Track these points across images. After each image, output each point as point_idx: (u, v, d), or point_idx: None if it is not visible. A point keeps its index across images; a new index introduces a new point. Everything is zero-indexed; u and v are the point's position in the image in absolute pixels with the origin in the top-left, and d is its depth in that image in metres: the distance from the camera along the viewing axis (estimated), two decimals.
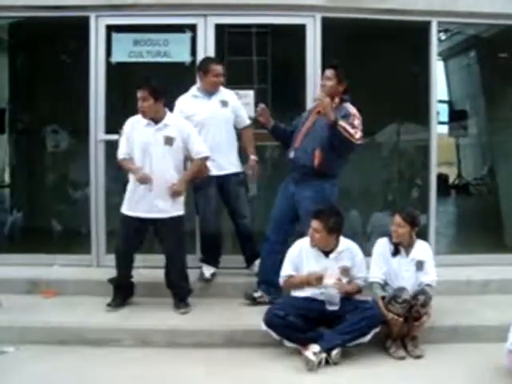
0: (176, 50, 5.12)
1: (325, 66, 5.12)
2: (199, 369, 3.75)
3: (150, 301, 4.56)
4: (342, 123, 4.22)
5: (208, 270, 4.81)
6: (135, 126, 4.37)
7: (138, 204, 4.34)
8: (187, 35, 5.15)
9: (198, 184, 4.72)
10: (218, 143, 4.70)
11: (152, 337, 4.11)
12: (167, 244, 4.45)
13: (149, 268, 4.86)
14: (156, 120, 4.33)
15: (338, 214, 4.04)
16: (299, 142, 4.47)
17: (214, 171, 4.72)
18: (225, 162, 4.76)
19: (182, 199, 4.46)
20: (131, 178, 4.38)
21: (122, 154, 4.41)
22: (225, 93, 4.82)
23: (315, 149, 4.34)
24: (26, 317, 4.27)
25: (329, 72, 4.49)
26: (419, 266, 4.09)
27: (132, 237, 4.40)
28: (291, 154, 4.49)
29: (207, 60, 4.82)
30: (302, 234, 4.22)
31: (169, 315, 4.36)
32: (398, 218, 4.07)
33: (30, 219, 6.88)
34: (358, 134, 4.27)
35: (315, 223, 3.96)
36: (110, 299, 4.47)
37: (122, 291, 4.53)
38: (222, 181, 4.76)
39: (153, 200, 4.32)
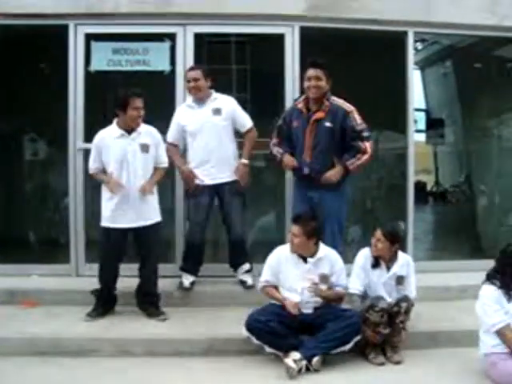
0: (155, 59, 5.14)
1: (303, 76, 5.20)
2: (179, 378, 3.74)
3: (129, 310, 4.53)
4: (351, 164, 4.34)
5: (187, 279, 4.80)
6: (106, 139, 4.38)
7: (121, 216, 4.33)
8: (166, 44, 5.16)
9: (190, 193, 4.75)
10: (209, 152, 4.71)
11: (132, 346, 4.08)
12: (147, 251, 4.44)
13: (128, 277, 4.82)
14: (130, 130, 4.36)
15: (318, 220, 4.06)
16: (309, 156, 4.44)
17: (207, 180, 4.73)
18: (216, 171, 4.75)
19: (157, 206, 4.49)
20: (105, 190, 4.39)
21: (92, 168, 4.47)
22: (220, 100, 4.80)
23: (332, 159, 4.40)
24: (4, 328, 4.22)
25: (318, 72, 4.42)
26: (399, 280, 4.12)
27: (116, 249, 4.39)
28: (306, 171, 4.46)
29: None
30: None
31: (148, 324, 4.34)
32: (378, 233, 4.08)
33: (8, 229, 6.79)
34: (367, 145, 4.36)
35: (295, 228, 3.98)
36: (91, 309, 4.44)
37: (104, 303, 4.50)
38: (217, 189, 4.77)
39: (136, 209, 4.33)
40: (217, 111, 4.74)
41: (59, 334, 4.14)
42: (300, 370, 3.72)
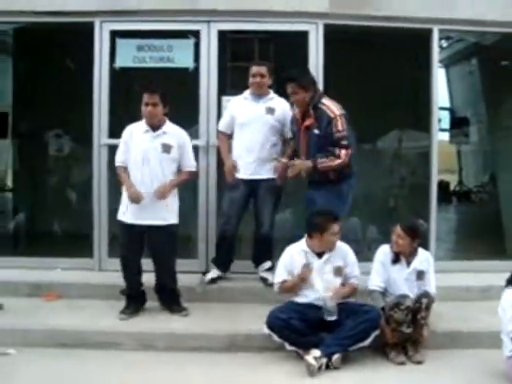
0: (179, 56, 5.16)
1: (328, 72, 5.20)
2: (200, 373, 3.77)
3: (152, 305, 4.57)
4: (320, 163, 4.33)
5: (211, 273, 4.84)
6: (134, 133, 4.38)
7: (138, 212, 4.33)
8: (191, 41, 5.18)
9: (227, 185, 4.80)
10: (253, 147, 4.75)
11: (153, 341, 4.13)
12: (161, 250, 4.42)
13: (151, 272, 4.88)
14: (155, 127, 4.34)
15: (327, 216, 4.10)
16: (305, 157, 4.47)
17: (243, 175, 4.77)
18: (256, 167, 4.78)
19: (176, 208, 4.45)
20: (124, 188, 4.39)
21: (118, 161, 4.45)
22: (276, 101, 4.84)
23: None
24: (28, 320, 4.30)
25: (291, 87, 4.40)
26: (420, 275, 4.10)
27: (135, 244, 4.40)
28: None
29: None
30: None
31: (170, 319, 4.38)
32: (398, 229, 4.08)
33: (33, 223, 6.91)
34: (342, 152, 4.32)
35: (337, 227, 4.02)
36: (124, 307, 4.44)
37: (135, 300, 4.51)
38: (254, 185, 4.80)
39: (150, 208, 4.31)
40: (270, 110, 4.77)
41: (82, 327, 4.20)
42: (320, 368, 3.73)
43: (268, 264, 4.89)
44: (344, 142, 4.34)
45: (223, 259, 4.91)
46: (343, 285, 4.11)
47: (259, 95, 4.80)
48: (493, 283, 4.86)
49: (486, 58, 7.31)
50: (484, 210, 8.32)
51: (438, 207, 5.49)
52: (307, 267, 4.00)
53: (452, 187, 10.06)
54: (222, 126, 4.92)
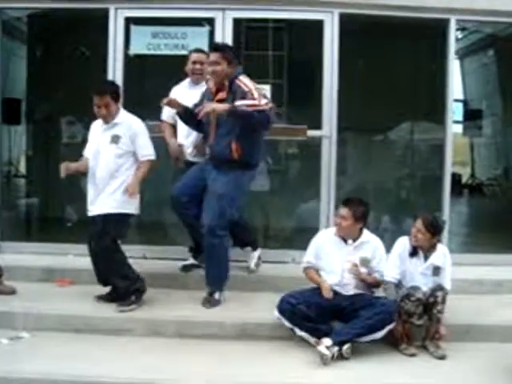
0: (194, 44, 5.12)
1: (342, 62, 5.16)
2: (210, 360, 3.78)
3: (162, 292, 4.59)
4: (238, 105, 4.12)
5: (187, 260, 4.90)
6: (94, 129, 4.46)
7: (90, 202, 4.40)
8: (205, 29, 5.17)
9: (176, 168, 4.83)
10: (188, 133, 4.74)
11: (164, 327, 4.14)
12: (95, 240, 4.37)
13: (161, 259, 4.92)
14: (108, 120, 4.35)
15: (366, 205, 4.10)
16: (213, 137, 4.34)
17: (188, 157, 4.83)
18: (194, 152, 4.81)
19: (124, 198, 4.33)
20: None
21: (84, 153, 4.51)
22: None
23: (231, 142, 4.27)
24: (41, 304, 4.32)
25: (214, 56, 4.26)
26: (436, 271, 4.07)
27: (91, 235, 4.40)
28: (207, 150, 4.47)
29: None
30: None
31: (180, 306, 4.38)
32: (419, 224, 4.01)
33: (46, 209, 6.95)
34: (263, 101, 4.15)
35: (344, 210, 4.01)
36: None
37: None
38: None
39: (96, 198, 4.35)
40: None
41: (94, 313, 4.23)
42: (333, 357, 3.72)
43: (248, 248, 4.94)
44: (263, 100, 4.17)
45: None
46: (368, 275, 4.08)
47: (196, 83, 4.77)
48: (506, 277, 4.86)
49: (502, 50, 7.25)
50: (496, 203, 8.27)
51: (450, 200, 5.45)
52: (329, 292, 3.98)
53: (464, 180, 10.00)
54: (164, 115, 4.85)
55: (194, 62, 4.75)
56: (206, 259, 4.47)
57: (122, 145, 4.31)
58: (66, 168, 4.29)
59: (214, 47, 4.40)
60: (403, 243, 4.13)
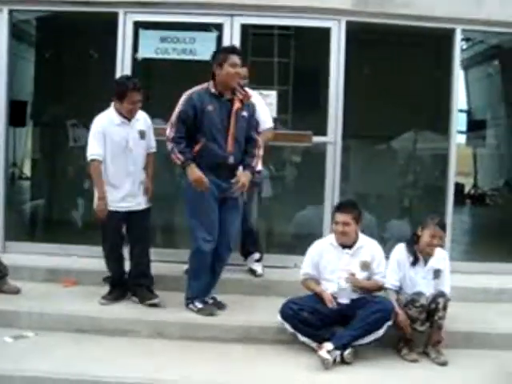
0: (201, 49, 5.17)
1: (348, 70, 5.20)
2: (213, 363, 3.80)
3: (167, 294, 4.58)
4: (254, 165, 4.33)
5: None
6: (108, 126, 4.37)
7: (123, 199, 4.40)
8: (213, 34, 5.22)
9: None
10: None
11: (168, 329, 4.16)
12: (139, 234, 4.48)
13: (166, 262, 4.93)
14: (133, 116, 4.40)
15: (358, 206, 4.15)
16: (232, 146, 4.22)
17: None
18: None
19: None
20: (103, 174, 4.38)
21: (95, 154, 4.34)
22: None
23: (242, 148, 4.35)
24: (46, 304, 4.35)
25: (239, 59, 4.24)
26: (436, 274, 4.10)
27: (119, 231, 4.46)
28: (231, 160, 4.22)
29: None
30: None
31: (185, 308, 4.38)
32: (438, 230, 4.05)
33: (51, 211, 6.98)
34: (259, 140, 4.36)
35: (345, 216, 4.03)
36: (106, 292, 4.51)
37: (119, 288, 4.55)
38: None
39: (135, 194, 4.43)
40: None
41: (98, 314, 4.25)
42: (334, 361, 3.74)
43: (257, 256, 4.94)
44: (258, 130, 4.39)
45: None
46: (368, 280, 4.11)
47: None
48: (509, 285, 4.88)
49: (506, 61, 7.28)
50: (499, 213, 8.29)
51: (453, 209, 5.48)
52: (331, 301, 4.00)
53: (466, 190, 10.02)
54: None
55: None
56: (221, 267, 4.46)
57: (148, 140, 4.50)
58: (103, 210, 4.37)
59: (236, 50, 4.32)
60: (402, 250, 4.15)
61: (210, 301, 4.37)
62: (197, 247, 4.23)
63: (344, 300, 4.02)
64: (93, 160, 4.35)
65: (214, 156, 4.18)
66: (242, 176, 4.23)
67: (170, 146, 4.16)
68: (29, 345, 3.91)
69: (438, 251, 4.15)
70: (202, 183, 4.14)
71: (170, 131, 4.17)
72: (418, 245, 4.09)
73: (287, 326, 3.98)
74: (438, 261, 4.13)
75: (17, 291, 4.52)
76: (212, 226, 4.22)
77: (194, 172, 4.13)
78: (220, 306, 4.38)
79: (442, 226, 4.10)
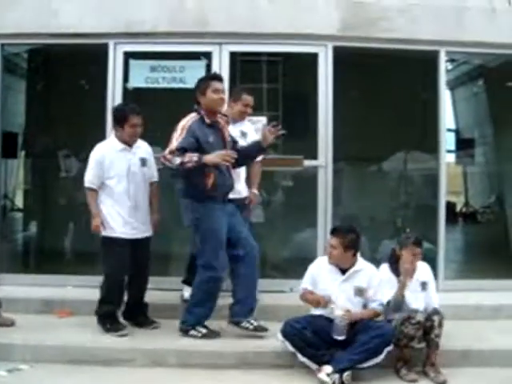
0: (191, 77, 5.20)
1: (337, 94, 5.28)
2: None
3: (163, 322, 4.58)
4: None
5: (187, 291, 4.79)
6: (109, 153, 4.41)
7: (125, 225, 4.41)
8: (202, 62, 5.30)
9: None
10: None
11: (164, 357, 4.13)
12: (142, 262, 4.50)
13: (161, 290, 4.92)
14: (130, 144, 4.45)
15: (355, 232, 4.12)
16: (232, 172, 4.43)
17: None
18: None
19: None
20: (105, 201, 4.41)
21: (93, 182, 4.41)
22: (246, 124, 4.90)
23: None
24: (40, 336, 4.31)
25: (221, 85, 4.35)
26: (424, 286, 4.16)
27: (126, 259, 4.42)
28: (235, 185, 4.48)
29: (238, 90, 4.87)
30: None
31: (180, 336, 4.38)
32: (414, 249, 4.12)
33: (43, 241, 6.95)
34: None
35: (333, 240, 4.06)
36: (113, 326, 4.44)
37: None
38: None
39: (139, 221, 4.46)
40: (243, 134, 4.90)
41: (94, 344, 4.22)
42: (334, 383, 3.72)
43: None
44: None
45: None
46: (365, 307, 4.10)
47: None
48: (504, 302, 4.89)
49: (492, 80, 7.40)
50: (491, 231, 8.32)
51: (446, 227, 5.51)
52: (329, 301, 4.03)
53: (458, 208, 10.06)
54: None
55: (247, 105, 4.78)
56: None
57: (149, 168, 4.53)
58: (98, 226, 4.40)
59: (219, 77, 4.42)
60: (386, 269, 4.20)
61: (251, 326, 4.31)
62: (210, 276, 4.25)
63: (342, 337, 3.94)
64: (87, 188, 4.43)
65: (226, 186, 4.32)
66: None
67: (174, 159, 4.03)
68: (23, 378, 3.86)
69: (419, 264, 4.20)
70: (224, 155, 4.14)
71: (170, 157, 4.06)
72: (399, 264, 4.14)
73: (287, 345, 3.96)
74: (423, 273, 4.19)
75: (11, 323, 4.48)
76: (224, 255, 4.29)
77: (212, 155, 4.11)
78: (260, 329, 4.32)
79: (419, 243, 4.17)
